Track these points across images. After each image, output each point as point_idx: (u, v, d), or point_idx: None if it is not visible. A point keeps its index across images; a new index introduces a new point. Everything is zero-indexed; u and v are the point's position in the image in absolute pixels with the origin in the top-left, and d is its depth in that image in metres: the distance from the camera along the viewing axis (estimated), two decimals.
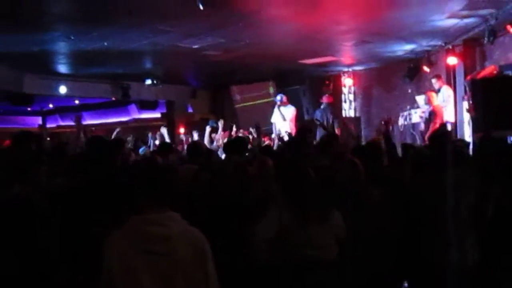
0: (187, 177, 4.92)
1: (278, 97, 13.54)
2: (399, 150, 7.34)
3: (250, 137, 11.22)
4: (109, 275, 2.77)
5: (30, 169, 4.00)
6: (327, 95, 14.06)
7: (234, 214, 4.13)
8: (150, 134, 12.52)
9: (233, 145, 6.49)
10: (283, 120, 13.08)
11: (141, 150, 9.83)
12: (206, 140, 10.95)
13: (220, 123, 11.83)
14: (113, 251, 2.80)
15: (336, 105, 16.00)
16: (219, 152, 8.73)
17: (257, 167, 4.72)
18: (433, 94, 11.07)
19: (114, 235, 2.84)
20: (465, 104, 9.88)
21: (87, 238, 2.92)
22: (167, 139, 11.14)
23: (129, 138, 10.84)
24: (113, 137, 9.68)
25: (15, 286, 3.06)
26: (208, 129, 11.51)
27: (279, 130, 12.62)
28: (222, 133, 11.49)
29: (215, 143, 10.89)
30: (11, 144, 5.69)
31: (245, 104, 18.01)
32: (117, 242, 2.82)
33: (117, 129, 10.95)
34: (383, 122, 6.77)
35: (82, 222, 3.36)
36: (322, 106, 13.56)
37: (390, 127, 7.22)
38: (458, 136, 10.36)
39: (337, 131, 12.35)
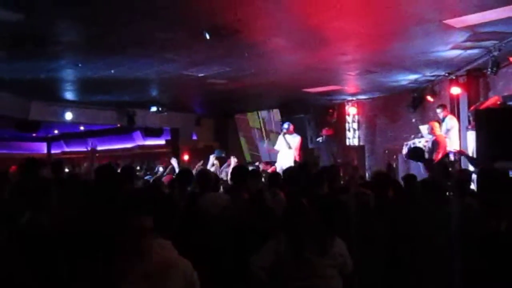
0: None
1: (285, 125, 13.60)
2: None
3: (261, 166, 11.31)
4: None
5: (42, 197, 4.02)
6: (326, 128, 14.13)
7: (246, 241, 4.13)
8: (159, 166, 12.59)
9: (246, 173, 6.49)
10: (288, 148, 13.11)
11: (147, 178, 9.89)
12: (209, 167, 10.99)
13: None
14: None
15: (339, 135, 16.10)
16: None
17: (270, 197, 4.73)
18: (436, 124, 11.11)
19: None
20: (469, 135, 9.90)
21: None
22: (177, 169, 11.16)
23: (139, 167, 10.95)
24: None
25: None
26: (212, 157, 11.55)
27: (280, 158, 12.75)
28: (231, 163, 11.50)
29: (223, 173, 10.88)
30: (23, 171, 5.72)
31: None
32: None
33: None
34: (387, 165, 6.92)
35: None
36: (321, 140, 13.66)
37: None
38: (462, 166, 10.35)
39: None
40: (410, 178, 6.99)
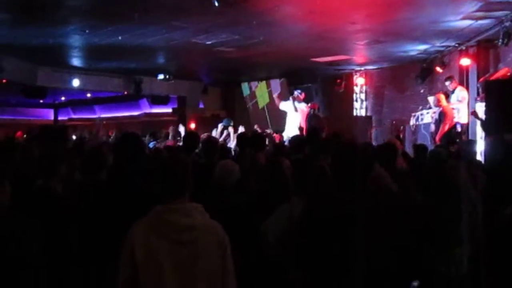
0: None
1: (297, 92, 13.59)
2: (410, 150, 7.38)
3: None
4: (132, 265, 2.80)
5: (54, 163, 4.05)
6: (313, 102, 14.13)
7: (259, 209, 4.15)
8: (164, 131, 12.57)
9: (255, 141, 6.50)
10: (294, 111, 13.13)
11: (151, 144, 9.90)
12: (217, 136, 10.99)
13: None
14: (136, 239, 2.83)
15: (346, 105, 16.08)
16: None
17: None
18: (442, 95, 11.05)
19: (137, 224, 2.89)
20: (478, 106, 9.85)
21: (111, 233, 2.96)
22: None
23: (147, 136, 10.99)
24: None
25: (34, 275, 3.11)
26: (220, 126, 11.55)
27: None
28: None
29: (230, 141, 10.89)
30: (32, 138, 5.75)
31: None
32: (140, 231, 2.86)
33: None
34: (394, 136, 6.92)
35: (108, 217, 3.40)
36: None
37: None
38: (470, 137, 10.33)
39: None
40: (420, 148, 7.00)
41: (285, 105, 13.60)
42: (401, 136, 12.58)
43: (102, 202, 3.72)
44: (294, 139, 7.11)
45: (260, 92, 18.72)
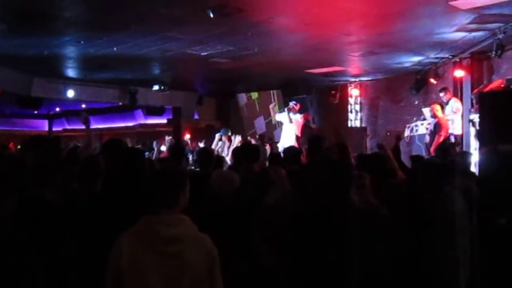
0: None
1: (292, 103, 13.63)
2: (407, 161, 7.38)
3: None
4: (117, 274, 2.79)
5: (49, 173, 4.03)
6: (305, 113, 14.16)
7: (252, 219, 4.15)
8: (155, 142, 12.57)
9: (248, 152, 6.48)
10: (289, 122, 13.15)
11: (145, 155, 9.88)
12: (214, 146, 10.99)
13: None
14: (122, 250, 2.82)
15: (341, 116, 16.11)
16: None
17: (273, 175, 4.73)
18: (437, 106, 11.08)
19: (125, 234, 2.87)
20: (472, 117, 9.89)
21: (104, 242, 2.94)
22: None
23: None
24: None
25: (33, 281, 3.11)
26: (217, 136, 11.55)
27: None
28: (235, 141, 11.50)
29: (225, 152, 10.87)
30: (26, 148, 5.70)
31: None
32: (126, 242, 2.84)
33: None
34: (395, 136, 6.86)
35: (102, 226, 3.39)
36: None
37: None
38: (464, 149, 10.36)
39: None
40: (417, 159, 6.99)
41: (281, 117, 13.60)
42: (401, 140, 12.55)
43: (96, 211, 3.71)
44: (288, 149, 7.11)
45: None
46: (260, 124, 18.38)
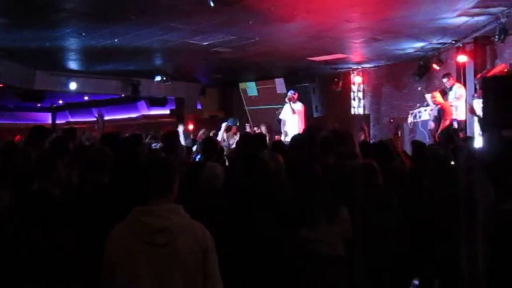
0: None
1: (290, 92, 13.58)
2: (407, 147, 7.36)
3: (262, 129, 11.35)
4: (110, 265, 2.83)
5: (50, 166, 4.04)
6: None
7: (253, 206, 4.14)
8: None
9: (254, 141, 6.47)
10: (292, 114, 13.11)
11: (153, 146, 9.90)
12: (220, 137, 10.99)
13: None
14: (114, 241, 2.87)
15: (344, 103, 16.09)
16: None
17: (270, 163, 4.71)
18: (437, 93, 11.08)
19: (117, 226, 2.91)
20: (475, 103, 9.86)
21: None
22: (182, 138, 11.15)
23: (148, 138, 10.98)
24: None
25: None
26: (223, 126, 11.56)
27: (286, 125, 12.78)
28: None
29: (231, 141, 10.88)
30: (31, 139, 5.72)
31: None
32: (118, 233, 2.88)
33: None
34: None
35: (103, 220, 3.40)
36: None
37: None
38: (468, 134, 10.34)
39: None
40: (417, 144, 6.99)
41: (284, 113, 13.48)
42: (399, 134, 12.55)
43: (100, 205, 3.72)
44: (294, 137, 7.11)
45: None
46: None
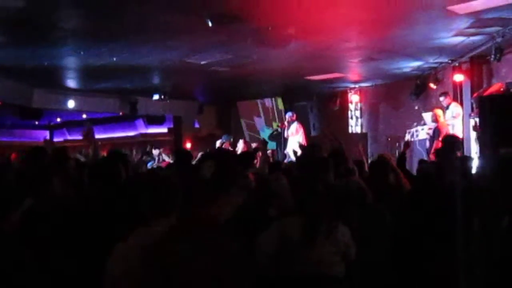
0: None
1: (288, 115, 13.67)
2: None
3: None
4: (111, 283, 2.78)
5: (42, 183, 4.02)
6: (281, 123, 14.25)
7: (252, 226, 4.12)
8: (157, 150, 12.58)
9: (243, 159, 6.47)
10: (296, 134, 13.20)
11: (149, 164, 9.91)
12: None
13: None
14: (116, 261, 2.80)
15: (341, 122, 16.12)
16: None
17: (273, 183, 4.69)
18: (439, 111, 11.10)
19: (120, 247, 2.85)
20: (472, 122, 9.89)
21: (100, 251, 2.93)
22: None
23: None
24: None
25: None
26: (219, 142, 11.56)
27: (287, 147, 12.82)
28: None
29: None
30: (25, 159, 5.71)
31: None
32: (121, 253, 2.82)
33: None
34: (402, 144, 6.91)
35: (97, 235, 3.37)
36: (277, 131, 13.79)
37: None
38: (465, 153, 10.34)
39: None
40: (423, 162, 6.99)
41: (290, 133, 13.54)
42: (397, 153, 12.53)
43: (98, 219, 3.70)
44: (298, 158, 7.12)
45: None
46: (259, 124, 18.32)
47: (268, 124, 18.13)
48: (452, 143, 7.01)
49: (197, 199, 2.58)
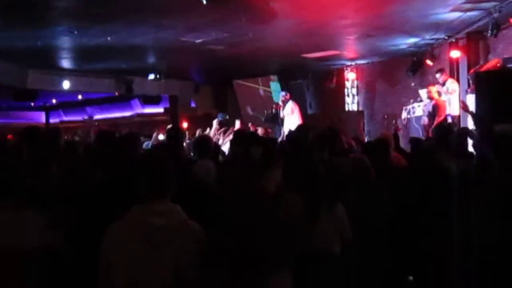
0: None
1: (282, 94, 13.63)
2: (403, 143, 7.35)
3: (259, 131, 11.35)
4: (107, 264, 2.80)
5: (42, 165, 4.02)
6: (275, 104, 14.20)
7: None
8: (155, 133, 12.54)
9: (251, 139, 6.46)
10: (291, 114, 13.18)
11: (145, 144, 9.87)
12: (212, 134, 10.95)
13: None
14: (111, 242, 2.83)
15: (338, 100, 16.10)
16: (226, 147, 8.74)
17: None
18: (433, 88, 11.10)
19: (114, 226, 2.87)
20: (469, 98, 9.86)
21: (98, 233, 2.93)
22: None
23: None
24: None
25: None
26: (215, 123, 11.52)
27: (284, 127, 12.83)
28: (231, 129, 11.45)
29: (222, 139, 10.84)
30: (21, 140, 5.67)
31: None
32: (115, 232, 2.85)
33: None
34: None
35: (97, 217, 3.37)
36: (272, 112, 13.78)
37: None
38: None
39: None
40: (415, 141, 7.00)
41: (286, 113, 13.51)
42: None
43: (93, 202, 3.70)
44: (290, 134, 7.12)
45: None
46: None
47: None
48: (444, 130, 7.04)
49: (250, 174, 3.50)
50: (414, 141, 7.25)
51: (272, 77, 17.51)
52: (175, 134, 6.17)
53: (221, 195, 4.02)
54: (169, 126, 12.08)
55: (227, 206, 3.12)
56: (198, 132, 12.61)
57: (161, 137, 11.85)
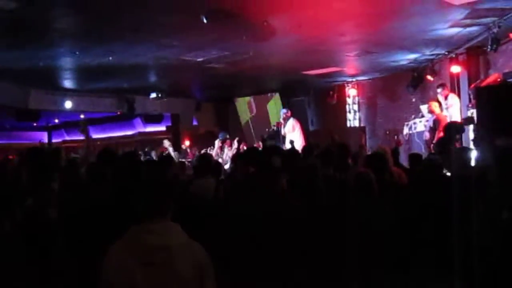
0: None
1: (283, 111, 13.66)
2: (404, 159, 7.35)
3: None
4: (108, 285, 2.78)
5: (43, 184, 4.02)
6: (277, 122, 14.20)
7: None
8: (153, 151, 12.59)
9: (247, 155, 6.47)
10: (293, 131, 13.18)
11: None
12: (214, 153, 10.97)
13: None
14: (111, 261, 2.80)
15: (339, 116, 16.12)
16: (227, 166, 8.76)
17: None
18: (435, 103, 11.10)
19: (114, 246, 2.85)
20: (469, 113, 9.87)
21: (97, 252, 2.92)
22: (172, 152, 11.15)
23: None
24: None
25: None
26: (218, 141, 11.55)
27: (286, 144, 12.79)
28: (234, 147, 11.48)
29: (225, 156, 10.86)
30: (23, 160, 5.70)
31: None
32: (115, 253, 2.82)
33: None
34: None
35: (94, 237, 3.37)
36: (273, 129, 13.76)
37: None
38: (464, 144, 10.32)
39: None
40: (415, 157, 6.99)
41: (287, 130, 13.51)
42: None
43: (95, 220, 3.69)
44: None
45: (241, 108, 18.71)
46: None
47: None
48: (454, 128, 7.02)
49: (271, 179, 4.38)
50: (413, 157, 7.24)
51: (269, 95, 17.56)
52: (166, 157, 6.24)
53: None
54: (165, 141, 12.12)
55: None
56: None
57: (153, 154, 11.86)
